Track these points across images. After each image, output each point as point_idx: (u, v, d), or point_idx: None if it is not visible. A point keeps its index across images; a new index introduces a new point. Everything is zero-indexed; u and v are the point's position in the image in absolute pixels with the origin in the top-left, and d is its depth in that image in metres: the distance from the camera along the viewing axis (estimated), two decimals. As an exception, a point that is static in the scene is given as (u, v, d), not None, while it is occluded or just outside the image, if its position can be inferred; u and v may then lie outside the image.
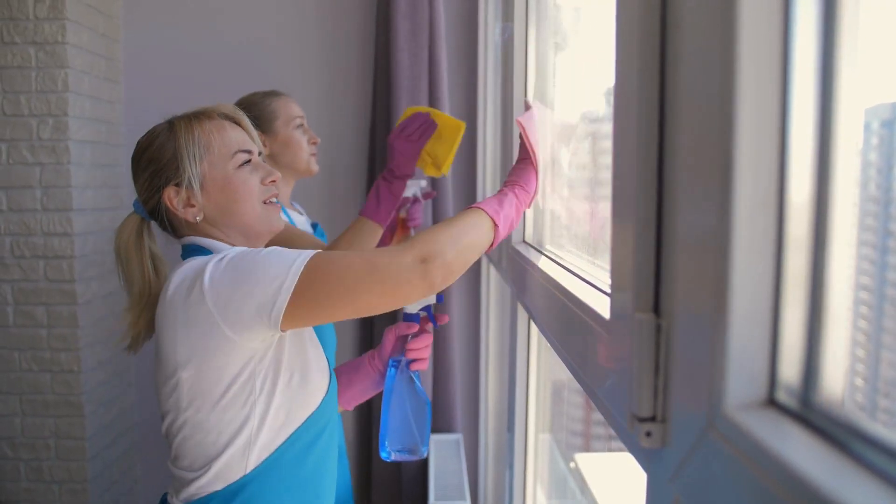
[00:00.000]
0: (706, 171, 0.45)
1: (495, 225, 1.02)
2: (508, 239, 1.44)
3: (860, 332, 0.47)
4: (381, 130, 2.35)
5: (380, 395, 1.22)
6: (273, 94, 1.82)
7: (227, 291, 0.93)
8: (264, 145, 1.76)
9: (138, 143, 1.12)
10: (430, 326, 1.21)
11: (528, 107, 1.16)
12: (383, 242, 2.01)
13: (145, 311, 1.11)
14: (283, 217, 1.65)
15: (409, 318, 1.20)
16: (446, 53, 2.39)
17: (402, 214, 1.96)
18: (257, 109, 1.77)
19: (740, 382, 0.42)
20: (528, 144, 1.12)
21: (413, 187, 1.94)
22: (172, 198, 1.06)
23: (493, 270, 2.23)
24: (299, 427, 1.04)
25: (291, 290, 0.92)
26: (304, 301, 0.93)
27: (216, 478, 1.01)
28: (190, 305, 0.95)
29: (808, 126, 0.42)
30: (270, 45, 2.49)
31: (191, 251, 1.08)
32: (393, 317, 2.25)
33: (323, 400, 1.08)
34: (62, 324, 2.23)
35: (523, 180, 1.11)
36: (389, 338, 1.21)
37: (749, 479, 0.38)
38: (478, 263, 2.51)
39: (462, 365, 2.54)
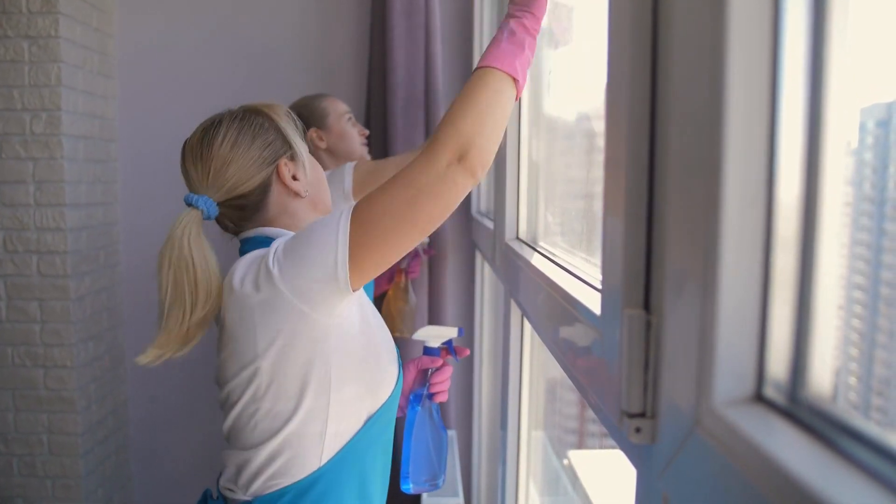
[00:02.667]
0: (696, 169, 0.45)
1: (514, 79, 0.94)
2: (502, 236, 1.44)
3: (853, 330, 0.47)
4: (376, 128, 2.34)
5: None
6: (321, 95, 2.04)
7: (293, 269, 0.94)
8: (321, 139, 1.98)
9: (222, 128, 1.08)
10: (450, 359, 1.21)
11: None
12: (380, 288, 2.13)
13: (214, 312, 1.05)
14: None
15: (430, 351, 1.20)
16: (442, 52, 2.38)
17: (403, 266, 2.13)
18: (309, 110, 1.98)
19: (728, 378, 0.42)
20: None
21: None
22: (284, 170, 1.09)
23: (487, 268, 2.23)
24: (372, 416, 1.03)
25: (347, 245, 0.92)
26: (363, 251, 0.93)
27: (287, 471, 1.00)
28: (262, 293, 0.95)
29: (798, 126, 0.42)
30: (265, 41, 2.48)
31: (254, 243, 1.07)
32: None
33: (393, 391, 1.07)
34: (55, 319, 2.23)
35: (533, 4, 0.97)
36: (411, 371, 1.21)
37: (736, 474, 0.38)
38: (472, 260, 2.52)
39: (456, 362, 2.54)
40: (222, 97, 2.44)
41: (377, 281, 2.15)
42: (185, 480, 2.60)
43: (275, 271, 0.94)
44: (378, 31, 2.33)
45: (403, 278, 2.14)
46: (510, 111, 0.95)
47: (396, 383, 1.08)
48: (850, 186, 0.44)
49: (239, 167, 1.06)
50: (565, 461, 1.77)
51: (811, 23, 0.41)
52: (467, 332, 2.57)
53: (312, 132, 1.97)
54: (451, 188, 0.91)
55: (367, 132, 2.01)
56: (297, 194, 1.10)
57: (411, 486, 1.17)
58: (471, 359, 2.56)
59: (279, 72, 2.47)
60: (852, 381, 0.47)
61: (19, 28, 2.14)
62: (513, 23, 0.95)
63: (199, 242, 1.03)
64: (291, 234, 1.04)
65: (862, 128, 0.44)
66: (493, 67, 0.93)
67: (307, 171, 1.12)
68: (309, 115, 1.96)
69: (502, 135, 0.95)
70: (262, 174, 1.08)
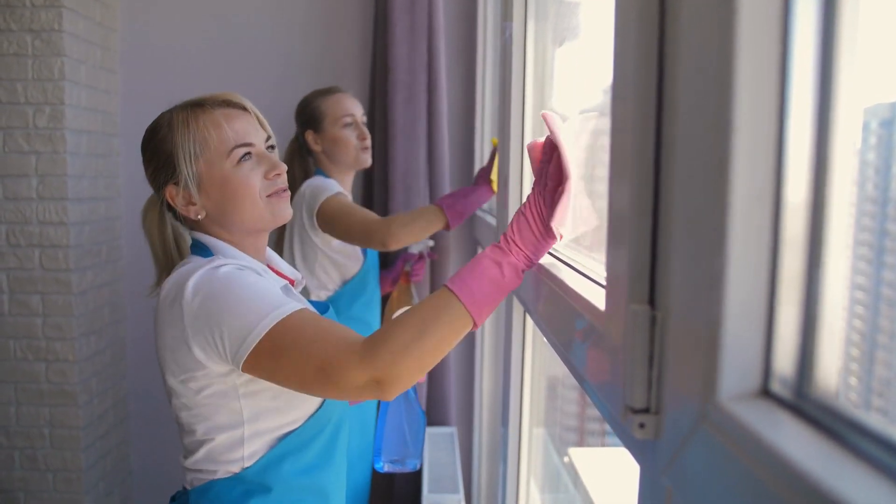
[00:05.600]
0: (703, 164, 0.45)
1: (471, 315, 0.89)
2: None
3: (855, 331, 0.47)
4: (378, 125, 2.34)
5: None
6: (327, 91, 1.95)
7: (202, 320, 0.95)
8: (316, 143, 1.91)
9: (145, 132, 1.11)
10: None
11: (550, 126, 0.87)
12: (384, 289, 2.13)
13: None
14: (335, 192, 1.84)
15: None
16: (445, 48, 2.38)
17: (407, 269, 2.10)
18: (309, 109, 1.92)
19: (734, 373, 0.42)
20: (562, 159, 0.84)
21: (420, 245, 2.10)
22: (174, 196, 1.06)
23: (489, 265, 2.23)
24: (297, 429, 1.05)
25: (252, 347, 0.92)
26: (259, 365, 0.93)
27: (216, 472, 1.04)
28: (173, 319, 0.97)
29: (806, 124, 0.42)
30: (268, 37, 2.48)
31: (196, 247, 1.08)
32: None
33: (323, 402, 1.08)
34: (57, 313, 2.23)
35: (536, 248, 0.87)
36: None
37: (742, 469, 0.38)
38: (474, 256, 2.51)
39: (457, 358, 2.54)
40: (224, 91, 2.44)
41: (381, 282, 2.14)
42: (185, 475, 2.61)
43: (186, 309, 0.95)
44: (381, 28, 2.32)
45: (408, 282, 2.13)
46: (454, 344, 0.92)
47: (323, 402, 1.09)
48: (854, 186, 0.44)
49: (148, 178, 1.10)
50: (566, 458, 1.77)
51: (820, 19, 0.41)
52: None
53: (308, 135, 1.92)
54: (356, 396, 0.91)
55: (367, 136, 1.93)
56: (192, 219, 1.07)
57: (383, 464, 1.19)
58: (472, 355, 2.56)
59: (282, 68, 2.47)
60: (853, 381, 0.47)
61: (23, 22, 2.14)
62: (506, 263, 0.88)
63: (152, 222, 1.12)
64: (219, 264, 0.99)
65: (865, 128, 0.44)
66: (466, 309, 0.88)
67: (208, 195, 1.05)
68: (308, 116, 1.92)
69: (441, 356, 0.91)
70: (160, 194, 1.09)
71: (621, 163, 0.58)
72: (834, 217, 0.41)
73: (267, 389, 1.01)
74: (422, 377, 0.91)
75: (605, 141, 0.66)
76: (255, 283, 0.96)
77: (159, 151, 1.06)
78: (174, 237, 1.13)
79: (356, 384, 0.88)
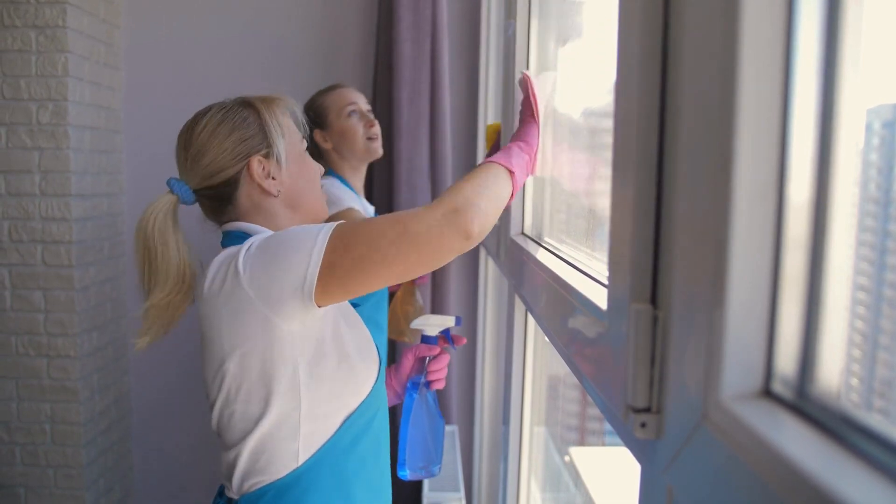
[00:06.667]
0: (706, 164, 0.45)
1: (511, 173, 1.03)
2: (507, 231, 1.44)
3: (857, 331, 0.47)
4: (382, 121, 2.34)
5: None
6: (329, 88, 1.91)
7: (261, 271, 0.93)
8: (325, 141, 1.88)
9: (206, 116, 1.10)
10: (447, 347, 1.23)
11: (526, 77, 1.18)
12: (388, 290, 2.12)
13: (183, 299, 1.07)
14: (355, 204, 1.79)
15: (428, 340, 1.21)
16: (449, 45, 2.38)
17: None
18: (314, 108, 1.88)
19: (736, 373, 0.42)
20: (532, 99, 1.13)
21: None
22: (256, 167, 1.07)
23: (490, 262, 2.23)
24: (351, 415, 1.03)
25: (320, 261, 0.91)
26: (335, 272, 0.91)
27: (267, 470, 1.01)
28: (229, 294, 0.95)
29: (809, 124, 0.42)
30: (271, 33, 2.48)
31: (233, 237, 1.06)
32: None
33: (373, 387, 1.07)
34: (59, 309, 2.23)
35: (527, 135, 1.11)
36: (409, 358, 1.22)
37: (743, 468, 0.38)
38: (475, 254, 2.52)
39: (458, 356, 2.54)
40: (227, 89, 2.43)
41: None
42: (186, 471, 2.61)
43: (243, 272, 0.93)
44: (385, 25, 2.32)
45: (413, 283, 2.12)
46: (506, 200, 1.02)
47: (376, 383, 1.07)
48: (857, 187, 0.44)
49: (213, 157, 1.07)
50: (566, 457, 1.77)
51: (824, 19, 0.41)
52: (470, 327, 2.57)
53: (317, 134, 1.87)
54: (438, 242, 0.90)
55: (374, 123, 1.87)
56: (268, 193, 1.08)
57: (407, 472, 1.18)
58: (473, 353, 2.56)
59: (285, 64, 2.47)
60: (854, 382, 0.47)
61: (27, 18, 2.15)
62: (513, 143, 1.10)
63: (164, 227, 1.06)
64: (269, 232, 1.03)
65: (868, 128, 0.44)
66: (496, 163, 1.03)
67: (289, 172, 1.10)
68: (314, 115, 1.87)
69: (498, 215, 1.00)
70: (234, 168, 1.07)
71: (624, 161, 0.58)
72: (836, 217, 0.41)
73: (327, 362, 1.00)
74: (492, 210, 0.98)
75: (608, 140, 0.65)
76: (296, 227, 0.98)
77: (245, 125, 1.09)
78: (187, 248, 1.09)
79: (435, 220, 0.91)
